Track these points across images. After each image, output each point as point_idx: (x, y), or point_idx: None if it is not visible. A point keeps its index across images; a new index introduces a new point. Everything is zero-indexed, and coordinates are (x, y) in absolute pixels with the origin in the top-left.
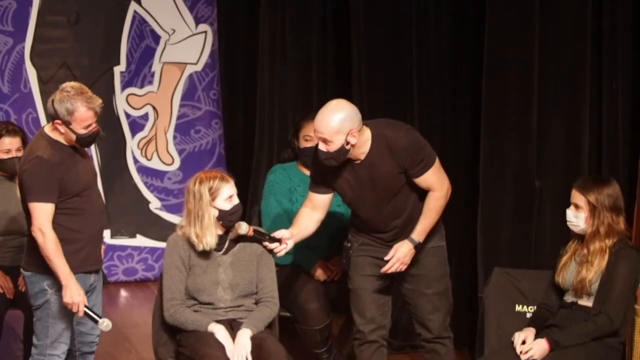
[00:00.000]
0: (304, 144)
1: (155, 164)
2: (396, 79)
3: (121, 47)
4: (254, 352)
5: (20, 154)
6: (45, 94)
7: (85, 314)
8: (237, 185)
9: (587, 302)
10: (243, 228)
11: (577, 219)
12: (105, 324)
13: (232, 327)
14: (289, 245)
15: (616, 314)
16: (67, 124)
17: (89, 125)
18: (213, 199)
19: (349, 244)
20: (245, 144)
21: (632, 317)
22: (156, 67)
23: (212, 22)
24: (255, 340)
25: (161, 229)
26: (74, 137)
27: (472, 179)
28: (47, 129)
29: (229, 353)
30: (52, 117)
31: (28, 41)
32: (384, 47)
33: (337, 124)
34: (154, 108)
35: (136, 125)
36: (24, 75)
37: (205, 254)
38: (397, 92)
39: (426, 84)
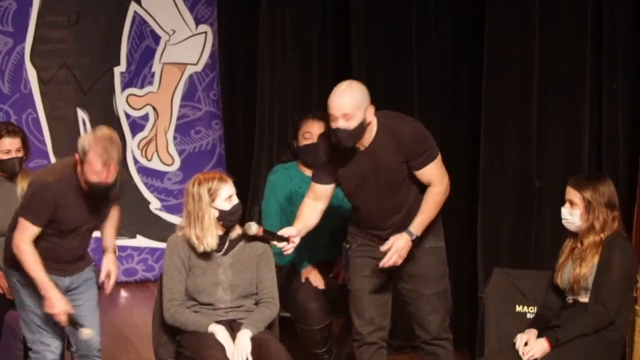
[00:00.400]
0: (304, 142)
1: (155, 164)
2: (396, 79)
3: (121, 48)
4: (254, 352)
5: (20, 154)
6: (46, 95)
7: (69, 322)
8: (237, 185)
9: (586, 297)
10: (253, 229)
11: (572, 216)
12: (85, 332)
13: (232, 327)
14: (295, 242)
15: (612, 303)
16: (81, 162)
17: (100, 174)
18: (212, 200)
19: (347, 245)
20: (245, 145)
21: (632, 318)
22: (156, 67)
23: (212, 22)
24: (256, 340)
25: (161, 230)
26: (85, 179)
27: (472, 179)
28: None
29: (229, 354)
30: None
31: (28, 41)
32: (384, 47)
33: (358, 97)
34: (154, 108)
35: (136, 126)
36: (24, 76)
37: (205, 255)
38: (397, 92)
39: (426, 84)
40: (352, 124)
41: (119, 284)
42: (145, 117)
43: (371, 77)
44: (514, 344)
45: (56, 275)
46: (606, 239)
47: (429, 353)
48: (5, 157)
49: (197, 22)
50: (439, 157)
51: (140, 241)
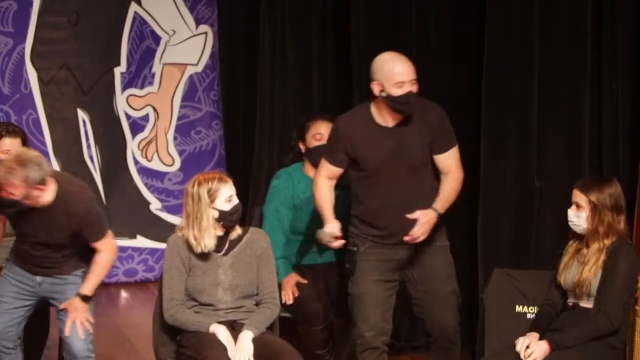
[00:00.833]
0: (314, 143)
1: (155, 164)
2: None
3: (121, 48)
4: (260, 352)
5: None
6: (46, 95)
7: None
8: (237, 186)
9: (587, 303)
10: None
11: (578, 218)
12: None
13: (233, 327)
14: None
15: (615, 313)
16: None
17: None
18: (212, 201)
19: (354, 248)
20: (245, 145)
21: (632, 318)
22: (156, 68)
23: (212, 23)
24: (259, 341)
25: (161, 230)
26: None
27: (473, 179)
28: None
29: (230, 354)
30: None
31: (28, 42)
32: (384, 47)
33: None
34: (154, 109)
35: (136, 126)
36: (25, 76)
37: (205, 255)
38: None
39: (426, 83)
40: (415, 88)
41: (119, 285)
42: (146, 118)
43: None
44: (514, 345)
45: (28, 273)
46: (611, 245)
47: (442, 351)
48: (5, 157)
49: (198, 22)
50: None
51: (141, 241)
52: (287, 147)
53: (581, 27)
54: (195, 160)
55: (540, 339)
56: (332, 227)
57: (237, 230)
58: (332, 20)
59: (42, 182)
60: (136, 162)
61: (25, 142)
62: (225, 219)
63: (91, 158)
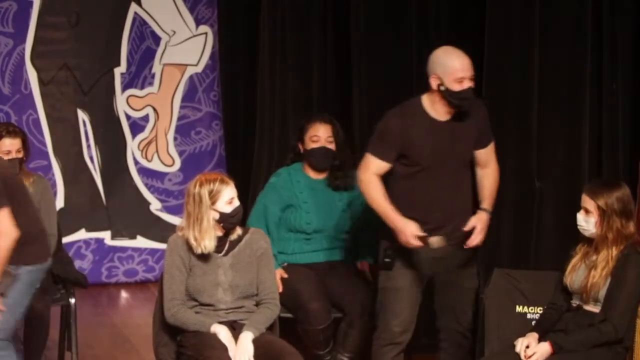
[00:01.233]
0: (312, 145)
1: (155, 165)
2: (397, 79)
3: (121, 49)
4: (263, 353)
5: (20, 155)
6: (46, 96)
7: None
8: (237, 186)
9: (592, 307)
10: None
11: (587, 223)
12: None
13: (234, 327)
14: None
15: (621, 322)
16: None
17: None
18: (213, 202)
19: (396, 243)
20: (245, 145)
21: (633, 319)
22: (156, 68)
23: (212, 23)
24: (259, 341)
25: (161, 230)
26: None
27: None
28: None
29: (231, 353)
30: None
31: (28, 42)
32: (385, 47)
33: None
34: (154, 109)
35: (136, 127)
36: (25, 77)
37: (205, 256)
38: (398, 92)
39: (427, 84)
40: (472, 84)
41: (119, 285)
42: (146, 118)
43: (371, 77)
44: (514, 345)
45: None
46: (621, 253)
47: (455, 345)
48: (5, 157)
49: (198, 23)
50: None
51: (141, 242)
52: (287, 147)
53: (581, 27)
54: (195, 160)
55: (542, 339)
56: (414, 227)
57: (237, 231)
58: (332, 20)
59: None
60: (136, 162)
61: (25, 143)
62: (226, 221)
63: (91, 158)
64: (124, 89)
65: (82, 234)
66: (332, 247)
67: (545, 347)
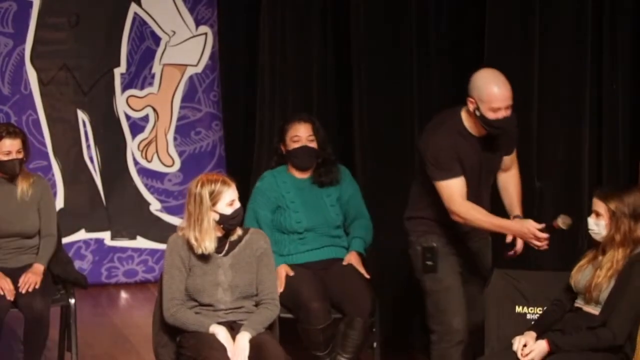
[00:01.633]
0: (293, 146)
1: (155, 165)
2: (397, 79)
3: (121, 49)
4: (253, 353)
5: (20, 155)
6: (46, 96)
7: None
8: (237, 186)
9: (592, 309)
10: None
11: (598, 227)
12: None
13: (233, 328)
14: None
15: (621, 330)
16: None
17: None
18: (214, 203)
19: (434, 244)
20: (245, 146)
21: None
22: (156, 68)
23: (212, 23)
24: (254, 341)
25: (161, 231)
26: None
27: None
28: None
29: (230, 354)
30: None
31: (28, 43)
32: (384, 47)
33: None
34: (154, 110)
35: (136, 127)
36: (24, 77)
37: (205, 256)
38: (398, 92)
39: (427, 84)
40: (510, 112)
41: (119, 285)
42: (146, 119)
43: (371, 77)
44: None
45: None
46: (628, 257)
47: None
48: (5, 158)
49: (197, 23)
50: None
51: (141, 242)
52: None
53: (581, 27)
54: (195, 161)
55: (540, 337)
56: (532, 225)
57: (238, 231)
58: (332, 20)
59: None
60: (136, 162)
61: (25, 143)
62: (226, 222)
63: (91, 159)
64: (123, 89)
65: (81, 235)
66: (327, 244)
67: (543, 346)
